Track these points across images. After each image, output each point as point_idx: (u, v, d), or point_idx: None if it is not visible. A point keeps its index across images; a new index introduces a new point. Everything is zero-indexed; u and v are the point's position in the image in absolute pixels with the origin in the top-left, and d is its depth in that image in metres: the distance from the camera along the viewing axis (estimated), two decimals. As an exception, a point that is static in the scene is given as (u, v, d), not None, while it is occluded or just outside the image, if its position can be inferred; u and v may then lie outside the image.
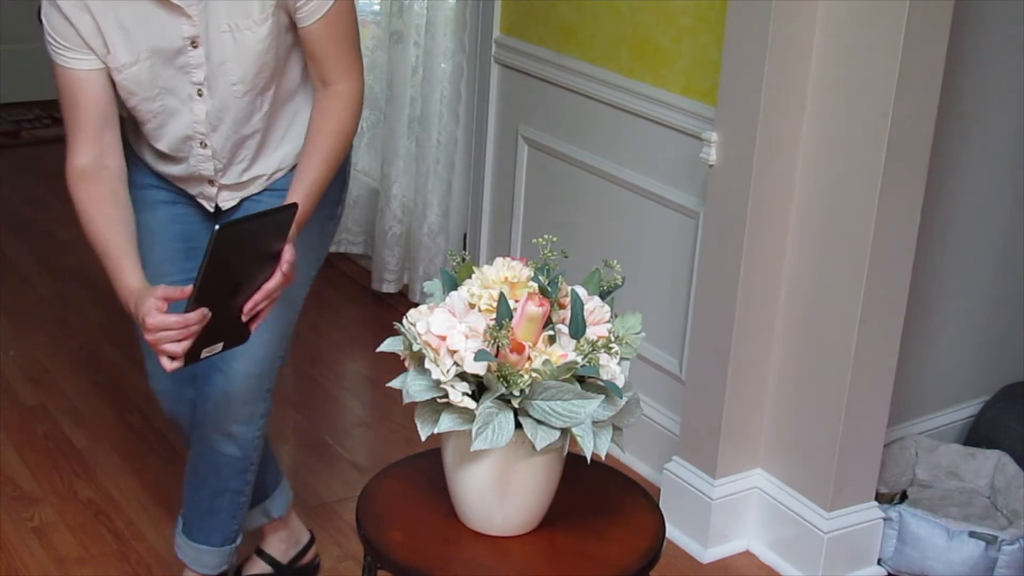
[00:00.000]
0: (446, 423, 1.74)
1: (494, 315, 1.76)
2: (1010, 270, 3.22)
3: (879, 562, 2.85)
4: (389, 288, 4.02)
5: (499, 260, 1.84)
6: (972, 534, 2.76)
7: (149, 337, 1.92)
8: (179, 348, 1.91)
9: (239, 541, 2.49)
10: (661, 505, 2.87)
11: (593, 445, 1.75)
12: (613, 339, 1.80)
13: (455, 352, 1.72)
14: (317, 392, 3.53)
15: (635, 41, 3.05)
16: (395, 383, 1.81)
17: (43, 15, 2.08)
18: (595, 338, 1.77)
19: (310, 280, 2.35)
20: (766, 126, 2.59)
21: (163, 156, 2.26)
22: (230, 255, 1.85)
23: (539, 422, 1.73)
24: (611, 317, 1.84)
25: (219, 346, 1.97)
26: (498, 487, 1.82)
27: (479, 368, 1.71)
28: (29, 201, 4.79)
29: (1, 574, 2.68)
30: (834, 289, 2.63)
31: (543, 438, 1.73)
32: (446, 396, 1.73)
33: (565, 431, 1.75)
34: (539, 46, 3.35)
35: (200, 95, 2.14)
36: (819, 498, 2.75)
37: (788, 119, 2.61)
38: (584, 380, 1.77)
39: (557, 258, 1.86)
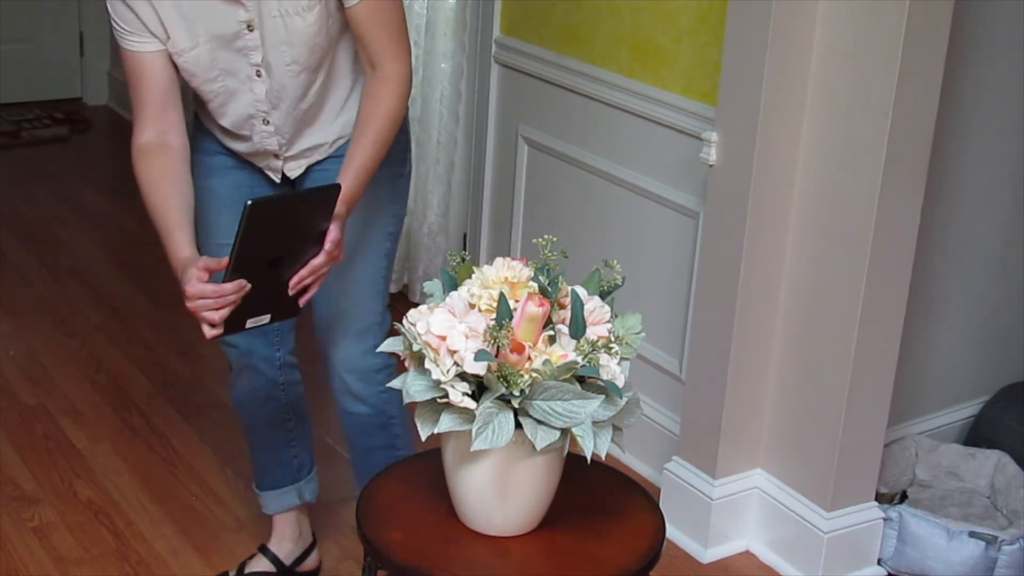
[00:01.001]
0: (446, 423, 1.74)
1: (494, 315, 1.76)
2: (1010, 270, 3.22)
3: (879, 562, 2.85)
4: (389, 288, 4.02)
5: (499, 260, 1.84)
6: (972, 534, 2.76)
7: (189, 304, 2.03)
8: (216, 316, 2.01)
9: None
10: (661, 505, 2.87)
11: (593, 445, 1.75)
12: (613, 339, 1.80)
13: (455, 352, 1.72)
14: (317, 392, 3.52)
15: (635, 41, 3.05)
16: (395, 383, 1.81)
17: (108, 1, 2.18)
18: (595, 338, 1.77)
19: (392, 236, 2.43)
20: (766, 126, 2.59)
21: (230, 134, 2.35)
22: (266, 230, 1.93)
23: (539, 422, 1.73)
24: (611, 317, 1.84)
25: (266, 317, 2.07)
26: (498, 487, 1.82)
27: (479, 368, 1.71)
28: (29, 201, 4.79)
29: (1, 574, 2.68)
30: (834, 289, 2.63)
31: (543, 438, 1.73)
32: (446, 396, 1.73)
33: (565, 431, 1.75)
34: (539, 46, 3.35)
35: (259, 75, 2.23)
36: (819, 498, 2.75)
37: (788, 119, 2.61)
38: (584, 380, 1.77)
39: (557, 258, 1.85)
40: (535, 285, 1.81)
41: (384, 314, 2.45)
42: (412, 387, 1.76)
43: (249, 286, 1.98)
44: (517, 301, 1.77)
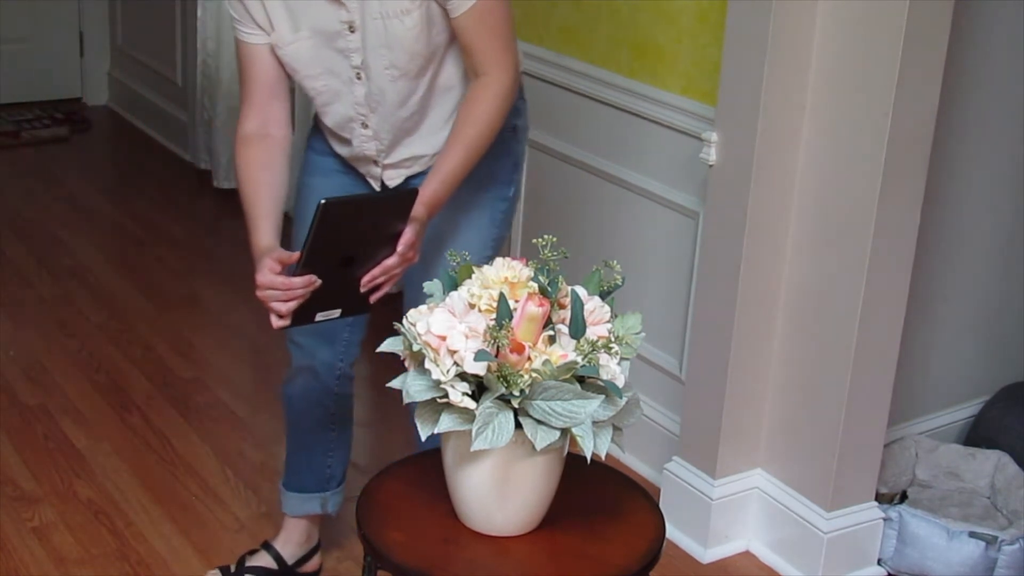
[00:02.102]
0: (446, 423, 1.74)
1: (494, 315, 1.76)
2: (1010, 270, 3.22)
3: (879, 562, 2.85)
4: (389, 288, 4.01)
5: (499, 260, 1.84)
6: (972, 534, 2.76)
7: (259, 294, 2.07)
8: (284, 308, 2.05)
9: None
10: (661, 505, 2.87)
11: (593, 445, 1.75)
12: (613, 339, 1.80)
13: (455, 352, 1.72)
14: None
15: (635, 41, 3.05)
16: (395, 383, 1.81)
17: None
18: (595, 338, 1.77)
19: (485, 259, 2.34)
20: (766, 126, 2.59)
21: (335, 136, 2.38)
22: (339, 229, 1.96)
23: (539, 422, 1.73)
24: (611, 317, 1.84)
25: (336, 312, 2.11)
26: (498, 487, 1.82)
27: (479, 368, 1.71)
28: (29, 201, 4.79)
29: (1, 574, 2.68)
30: (834, 289, 2.63)
31: (543, 438, 1.73)
32: (446, 396, 1.73)
33: (565, 431, 1.75)
34: (539, 46, 3.35)
35: (359, 78, 2.24)
36: (819, 498, 2.75)
37: (788, 119, 2.61)
38: (584, 380, 1.77)
39: (557, 258, 1.86)
40: (535, 285, 1.81)
41: None
42: (412, 387, 1.76)
43: (319, 282, 2.01)
44: (517, 301, 1.77)
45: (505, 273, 1.81)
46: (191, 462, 3.13)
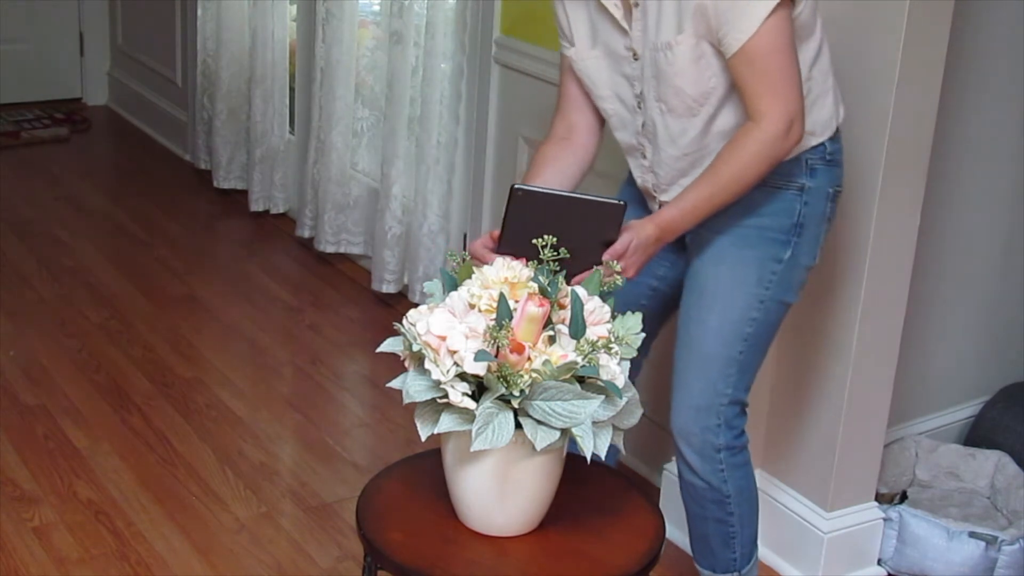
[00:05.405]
0: (446, 423, 1.74)
1: (494, 315, 1.76)
2: (1010, 270, 3.22)
3: (879, 562, 2.85)
4: (389, 288, 4.02)
5: (499, 260, 1.84)
6: (972, 534, 2.76)
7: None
8: None
9: (747, 572, 2.45)
10: (661, 505, 2.88)
11: (593, 445, 1.75)
12: (613, 339, 1.80)
13: (455, 352, 1.72)
14: (317, 392, 3.53)
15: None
16: (395, 383, 1.81)
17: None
18: (595, 338, 1.77)
19: (755, 323, 2.28)
20: (766, 126, 2.58)
21: (629, 164, 2.37)
22: (533, 218, 1.96)
23: (539, 422, 1.73)
24: (611, 317, 1.84)
25: None
26: (498, 487, 1.82)
27: (479, 368, 1.71)
28: (29, 201, 4.79)
29: (1, 574, 2.68)
30: (834, 289, 2.63)
31: (543, 438, 1.73)
32: (446, 396, 1.73)
33: (565, 431, 1.75)
34: (539, 46, 3.35)
35: (639, 107, 2.24)
36: (819, 498, 2.75)
37: (788, 119, 2.60)
38: (584, 380, 1.77)
39: (557, 258, 1.86)
40: (535, 285, 1.81)
41: (735, 399, 2.30)
42: (412, 387, 1.76)
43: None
44: (517, 301, 1.77)
45: (505, 273, 1.81)
46: (191, 462, 3.13)
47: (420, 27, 3.80)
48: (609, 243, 2.04)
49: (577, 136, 2.33)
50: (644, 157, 2.30)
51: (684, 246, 2.36)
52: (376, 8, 4.17)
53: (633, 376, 2.49)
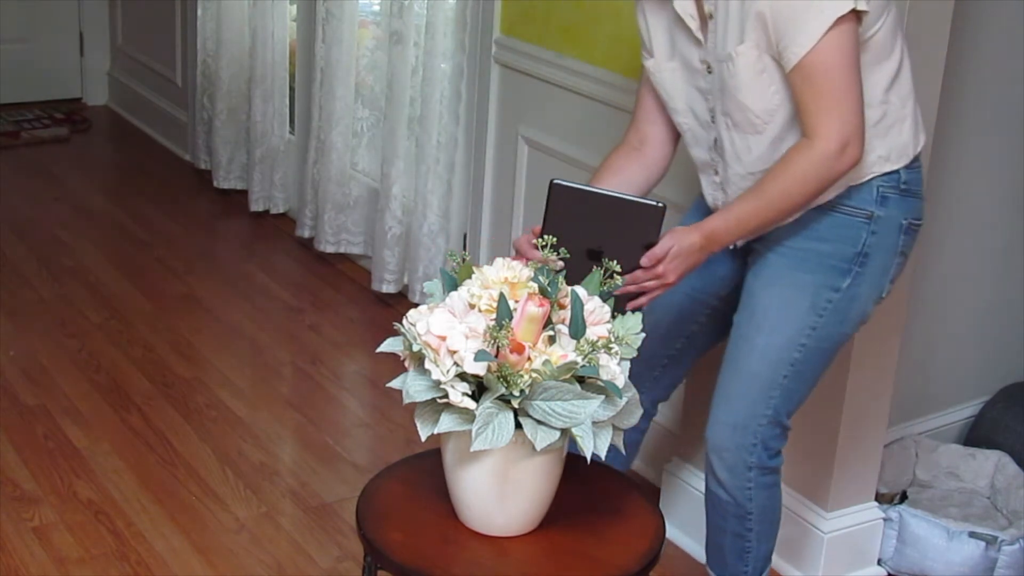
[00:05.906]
0: (446, 423, 1.75)
1: (494, 315, 1.76)
2: (1010, 271, 3.22)
3: (879, 562, 2.85)
4: (389, 288, 4.02)
5: (499, 260, 1.84)
6: (972, 534, 2.76)
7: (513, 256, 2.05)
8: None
9: None
10: (661, 505, 2.88)
11: (593, 445, 1.75)
12: (613, 339, 1.80)
13: (455, 352, 1.72)
14: (317, 392, 3.53)
15: (635, 41, 3.03)
16: (395, 383, 1.81)
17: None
18: (595, 338, 1.77)
19: (804, 349, 2.22)
20: (766, 126, 2.58)
21: (701, 182, 2.34)
22: (572, 216, 2.00)
23: (539, 422, 1.73)
24: (611, 317, 1.84)
25: None
26: (498, 487, 1.82)
27: (479, 368, 1.71)
28: (29, 201, 4.79)
29: (1, 574, 2.68)
30: (834, 289, 2.63)
31: (543, 438, 1.73)
32: (446, 396, 1.73)
33: (565, 431, 1.75)
34: (539, 46, 3.35)
35: (713, 122, 2.21)
36: (819, 498, 2.75)
37: (788, 119, 2.60)
38: (584, 380, 1.77)
39: (557, 258, 1.86)
40: (535, 285, 1.81)
41: (775, 420, 2.26)
42: (412, 387, 1.76)
43: (560, 263, 1.91)
44: (517, 301, 1.77)
45: (505, 273, 1.81)
46: (191, 462, 3.13)
47: (420, 27, 3.80)
48: (650, 246, 2.03)
49: (649, 148, 2.31)
50: (716, 174, 2.27)
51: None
52: (376, 8, 4.17)
53: (668, 393, 2.52)
